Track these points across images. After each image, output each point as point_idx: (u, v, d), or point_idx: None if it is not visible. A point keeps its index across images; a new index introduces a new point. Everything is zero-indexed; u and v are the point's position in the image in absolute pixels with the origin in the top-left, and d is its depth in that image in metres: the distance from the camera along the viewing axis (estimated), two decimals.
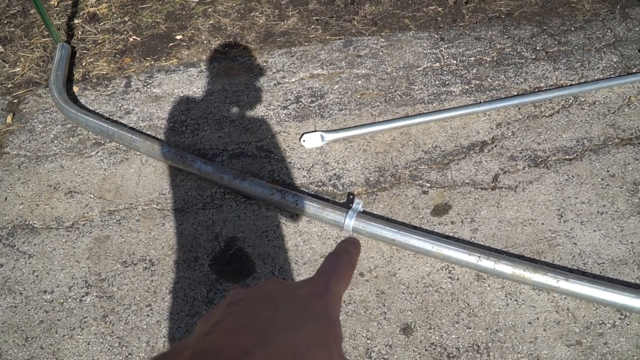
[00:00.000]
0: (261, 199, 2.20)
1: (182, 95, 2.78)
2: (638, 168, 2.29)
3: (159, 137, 2.55)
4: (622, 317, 1.81)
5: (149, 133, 2.58)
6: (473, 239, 2.07)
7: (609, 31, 3.08)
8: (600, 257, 1.98)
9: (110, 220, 2.20)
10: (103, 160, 2.45)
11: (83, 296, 1.96)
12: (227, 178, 2.23)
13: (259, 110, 2.64)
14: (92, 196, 2.30)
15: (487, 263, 1.88)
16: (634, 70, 2.79)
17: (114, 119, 2.65)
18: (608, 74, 2.77)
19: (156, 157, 2.40)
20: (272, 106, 2.66)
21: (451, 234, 2.09)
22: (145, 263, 2.05)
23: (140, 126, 2.62)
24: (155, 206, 2.25)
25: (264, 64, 2.92)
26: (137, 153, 2.46)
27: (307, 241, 2.09)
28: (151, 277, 2.00)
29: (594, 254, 2.00)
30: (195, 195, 2.29)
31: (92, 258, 2.07)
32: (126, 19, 3.37)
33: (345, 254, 0.54)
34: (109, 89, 2.84)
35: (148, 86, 2.85)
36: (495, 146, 2.43)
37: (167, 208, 2.24)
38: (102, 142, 2.53)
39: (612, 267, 1.95)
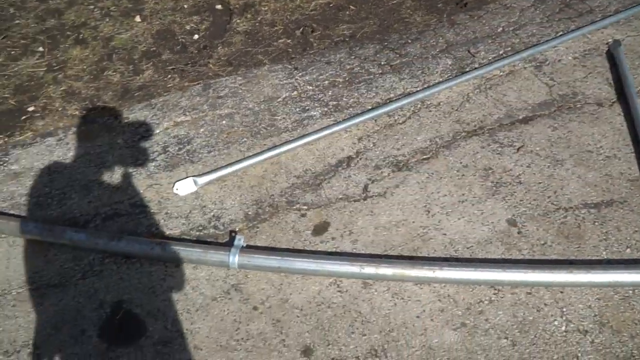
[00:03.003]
0: (142, 255, 2.14)
1: (42, 167, 2.64)
2: (486, 155, 2.54)
3: (24, 214, 2.39)
4: (496, 292, 1.99)
5: (12, 213, 2.41)
6: (355, 250, 2.17)
7: (441, 38, 3.42)
8: (467, 242, 2.17)
9: None
10: None
11: None
12: (102, 242, 2.15)
13: (127, 168, 2.58)
14: None
15: (369, 269, 1.98)
16: (467, 69, 3.11)
17: None
18: (446, 76, 3.07)
19: (23, 236, 2.25)
20: (139, 161, 2.62)
21: (334, 250, 2.17)
22: (29, 348, 1.91)
23: (2, 207, 2.44)
24: (30, 287, 2.10)
25: (126, 121, 2.87)
26: (2, 236, 2.29)
27: (195, 288, 2.06)
28: None
29: (462, 239, 2.18)
30: (72, 266, 2.17)
31: None
32: None
33: None
34: None
35: (4, 164, 2.67)
36: (360, 159, 2.57)
37: (44, 286, 2.10)
38: None
39: (479, 248, 2.14)
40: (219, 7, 3.89)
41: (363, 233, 2.23)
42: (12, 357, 1.88)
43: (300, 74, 3.16)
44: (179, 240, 2.22)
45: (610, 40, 3.21)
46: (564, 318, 1.88)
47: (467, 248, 2.14)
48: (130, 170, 2.56)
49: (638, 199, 2.28)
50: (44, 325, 1.98)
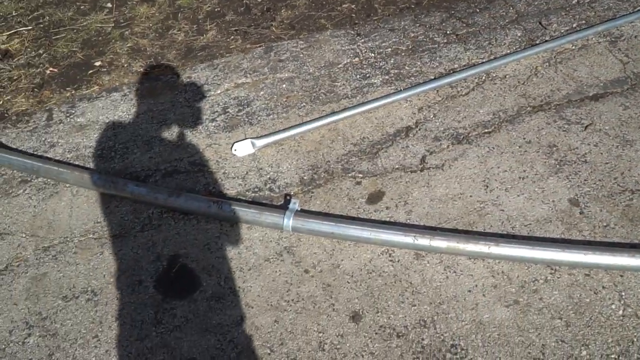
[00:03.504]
0: (199, 213, 2.21)
1: (107, 121, 2.74)
2: (551, 131, 2.44)
3: (88, 166, 2.50)
4: (553, 271, 1.93)
5: (77, 163, 2.53)
6: (408, 221, 2.15)
7: (511, 8, 3.26)
8: (526, 219, 2.10)
9: (45, 257, 2.14)
10: (32, 198, 2.38)
11: (25, 338, 1.90)
12: (162, 197, 2.22)
13: (188, 126, 2.64)
14: (23, 235, 2.23)
15: (423, 241, 1.97)
16: (537, 42, 2.97)
17: (39, 154, 2.58)
18: (514, 48, 2.94)
19: (87, 187, 2.36)
20: (200, 120, 2.67)
21: (387, 219, 2.16)
22: (87, 294, 2.02)
23: (67, 157, 2.57)
24: (91, 236, 2.21)
25: (188, 80, 2.92)
26: (67, 185, 2.41)
27: (249, 247, 2.11)
28: (95, 307, 1.97)
29: (520, 217, 2.12)
30: (132, 219, 2.26)
31: (31, 298, 2.01)
32: (41, 51, 3.29)
33: None
34: (30, 124, 2.77)
35: (71, 116, 2.79)
36: (420, 130, 2.53)
37: (105, 236, 2.21)
38: (29, 179, 2.47)
39: (538, 226, 2.08)
40: None
41: (418, 204, 2.20)
42: (70, 302, 2.00)
43: (362, 40, 3.11)
44: (235, 200, 2.26)
45: None
46: (622, 302, 1.82)
47: (525, 226, 2.08)
48: (191, 128, 2.62)
49: None
50: (103, 273, 2.08)
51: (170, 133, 2.61)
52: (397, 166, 2.37)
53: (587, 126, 2.44)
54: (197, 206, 2.18)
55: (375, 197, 2.25)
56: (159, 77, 2.97)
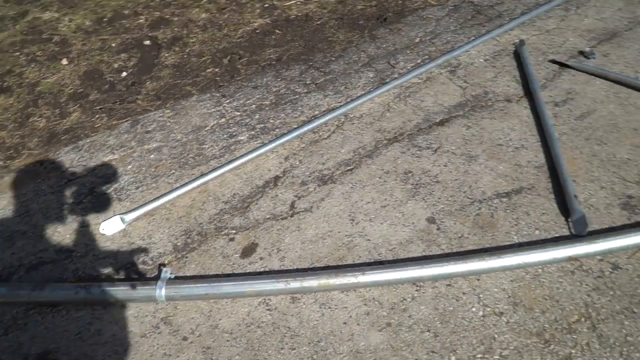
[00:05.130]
0: (67, 301, 2.12)
1: None
2: (406, 159, 2.62)
3: None
4: (418, 288, 2.04)
5: None
6: (282, 267, 2.19)
7: (363, 53, 3.53)
8: (390, 244, 2.22)
9: None
10: None
11: None
12: (25, 293, 2.12)
13: (53, 214, 2.56)
14: None
15: (295, 284, 2.01)
16: (387, 80, 3.22)
17: None
18: (368, 89, 3.17)
19: None
20: (65, 205, 2.60)
21: (262, 269, 2.19)
22: None
23: None
24: None
25: (51, 166, 2.85)
26: None
27: (124, 327, 2.05)
28: None
29: (385, 243, 2.23)
30: None
31: None
32: None
33: None
34: None
35: None
36: (287, 177, 2.62)
37: None
38: None
39: (401, 249, 2.20)
40: (147, 42, 3.94)
41: (290, 249, 2.26)
42: None
43: (227, 100, 3.22)
44: (105, 280, 2.20)
45: (517, 40, 3.38)
46: (481, 304, 1.95)
47: (390, 250, 2.19)
48: (56, 215, 2.54)
49: (544, 183, 2.39)
50: None
51: (34, 224, 2.52)
52: (268, 216, 2.43)
53: (436, 149, 2.66)
54: (64, 295, 2.10)
55: (249, 250, 2.28)
56: (19, 169, 2.87)
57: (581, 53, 3.20)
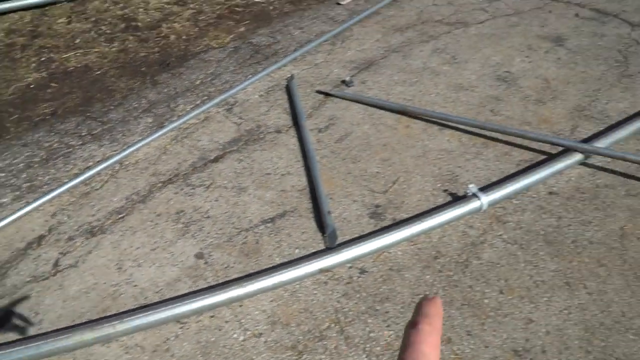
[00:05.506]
0: None
1: None
2: (179, 199, 2.65)
3: None
4: (182, 325, 2.05)
5: None
6: (40, 330, 2.06)
7: (144, 99, 3.53)
8: (157, 286, 2.21)
9: None
10: None
11: None
12: None
13: None
14: None
15: (46, 347, 1.89)
16: (165, 124, 3.24)
17: None
18: (146, 134, 3.16)
19: None
20: None
21: (17, 339, 2.03)
22: None
23: None
24: None
25: None
26: None
27: None
28: None
29: (152, 286, 2.21)
30: None
31: None
32: None
33: (425, 323, 0.53)
34: None
35: None
36: (53, 235, 2.48)
37: None
38: None
39: (168, 289, 2.19)
40: None
41: (50, 310, 2.13)
42: None
43: None
44: None
45: (288, 75, 3.65)
46: (242, 329, 2.02)
47: (157, 292, 2.18)
48: None
49: (305, 204, 2.58)
50: None
51: None
52: (28, 279, 2.27)
53: (209, 186, 2.73)
54: None
55: (3, 321, 2.10)
56: None
57: (343, 82, 3.55)
